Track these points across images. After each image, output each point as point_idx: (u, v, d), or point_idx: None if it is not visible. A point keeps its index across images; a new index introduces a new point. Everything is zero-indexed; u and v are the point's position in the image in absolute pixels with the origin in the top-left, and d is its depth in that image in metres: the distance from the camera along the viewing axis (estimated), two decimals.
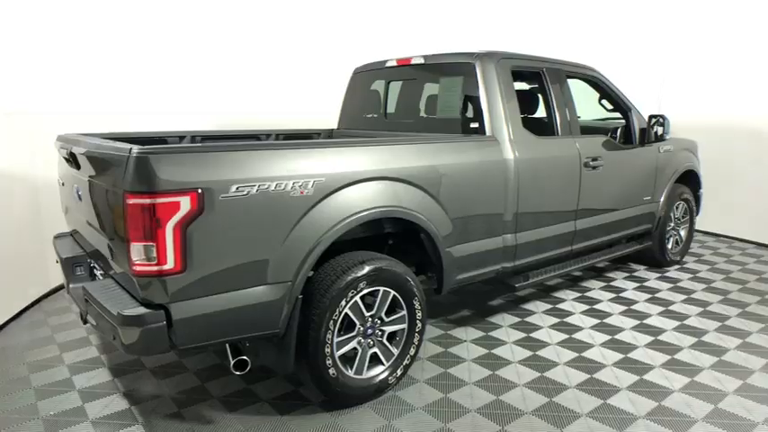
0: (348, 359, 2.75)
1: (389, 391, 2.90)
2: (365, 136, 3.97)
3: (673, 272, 5.01)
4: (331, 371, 2.62)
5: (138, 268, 2.13)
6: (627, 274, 4.91)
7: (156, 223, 2.08)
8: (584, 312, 4.02)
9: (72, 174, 2.86)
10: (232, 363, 2.44)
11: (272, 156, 2.38)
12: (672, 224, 4.98)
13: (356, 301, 2.69)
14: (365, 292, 2.71)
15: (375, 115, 4.25)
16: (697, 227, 6.40)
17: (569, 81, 4.27)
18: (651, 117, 4.32)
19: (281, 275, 2.40)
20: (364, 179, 2.64)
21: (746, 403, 2.81)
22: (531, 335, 3.63)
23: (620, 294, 4.40)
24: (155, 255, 2.10)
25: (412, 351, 2.95)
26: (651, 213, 4.65)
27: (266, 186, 2.31)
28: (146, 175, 2.07)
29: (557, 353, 3.37)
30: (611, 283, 4.67)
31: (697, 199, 5.26)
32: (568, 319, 3.89)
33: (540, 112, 3.96)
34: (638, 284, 4.64)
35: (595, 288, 4.55)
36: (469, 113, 3.48)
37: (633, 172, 4.37)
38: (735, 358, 3.31)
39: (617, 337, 3.61)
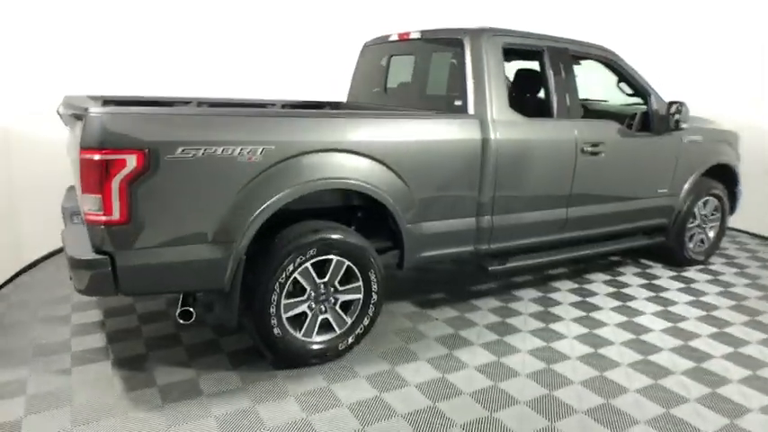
0: (301, 321, 2.89)
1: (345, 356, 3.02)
2: (365, 109, 4.02)
3: (691, 272, 4.70)
4: (276, 330, 2.77)
5: (89, 217, 2.35)
6: (638, 270, 4.67)
7: (104, 177, 2.29)
8: (573, 304, 3.90)
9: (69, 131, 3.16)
10: (178, 311, 2.64)
11: (221, 121, 2.51)
12: (696, 221, 4.65)
13: (306, 267, 2.80)
14: (316, 259, 2.81)
15: (379, 89, 4.28)
16: (744, 227, 5.94)
17: (585, 63, 4.11)
18: (671, 104, 4.03)
19: (225, 236, 2.55)
20: (315, 150, 2.71)
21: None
22: (506, 320, 3.59)
23: (622, 290, 4.21)
24: (102, 206, 2.31)
25: (366, 321, 3.04)
26: (668, 207, 4.38)
27: (213, 150, 2.45)
28: (97, 134, 2.27)
29: (523, 339, 3.33)
30: (617, 278, 4.46)
31: (732, 196, 4.87)
32: (554, 309, 3.80)
33: (541, 93, 3.82)
34: (644, 281, 4.41)
35: (597, 281, 4.38)
36: (455, 91, 3.43)
37: (645, 161, 4.12)
38: (717, 367, 3.11)
39: (595, 331, 3.49)
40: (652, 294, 4.15)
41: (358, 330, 3.03)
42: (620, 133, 3.91)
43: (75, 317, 3.43)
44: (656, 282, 4.42)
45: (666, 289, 4.28)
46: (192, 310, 2.64)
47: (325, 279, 2.88)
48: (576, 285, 4.27)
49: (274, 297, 2.72)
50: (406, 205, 3.04)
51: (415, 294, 3.95)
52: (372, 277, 2.98)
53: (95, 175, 2.28)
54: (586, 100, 4.84)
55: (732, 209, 4.93)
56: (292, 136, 2.66)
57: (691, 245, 4.69)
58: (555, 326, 3.54)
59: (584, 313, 3.75)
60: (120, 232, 2.36)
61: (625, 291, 4.20)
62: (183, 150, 2.39)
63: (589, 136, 3.72)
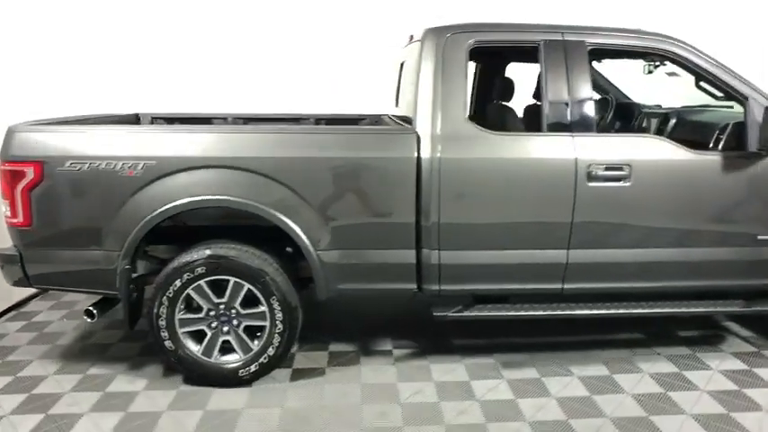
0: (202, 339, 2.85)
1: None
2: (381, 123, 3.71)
3: None
4: (167, 343, 2.78)
5: (6, 219, 2.75)
6: (738, 361, 3.18)
7: (11, 185, 2.65)
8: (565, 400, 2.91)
9: None
10: (84, 309, 2.87)
11: (102, 136, 2.66)
12: None
13: (200, 285, 2.74)
14: (212, 278, 2.73)
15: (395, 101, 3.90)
16: None
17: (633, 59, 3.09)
18: None
19: (111, 245, 2.69)
20: (198, 166, 2.63)
21: None
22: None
23: (668, 392, 2.88)
24: (11, 210, 2.68)
25: (271, 351, 2.82)
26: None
27: (96, 164, 2.61)
28: (7, 147, 2.65)
29: None
30: (683, 371, 3.05)
31: None
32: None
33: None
34: (727, 385, 2.95)
35: (640, 370, 3.11)
36: (411, 100, 2.91)
37: (722, 193, 2.83)
38: None
39: None
40: (723, 412, 2.81)
41: (262, 359, 2.83)
42: (667, 153, 2.78)
43: None
44: (743, 389, 2.95)
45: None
46: (93, 310, 2.84)
47: (224, 300, 2.78)
48: (598, 373, 3.17)
49: (162, 310, 2.74)
50: (312, 229, 2.72)
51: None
52: (275, 305, 2.75)
53: (5, 183, 2.66)
54: (686, 107, 3.59)
55: None
56: (173, 151, 2.64)
57: None
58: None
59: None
60: (25, 233, 2.69)
61: (676, 395, 2.95)
62: (70, 164, 2.60)
63: (603, 156, 2.74)
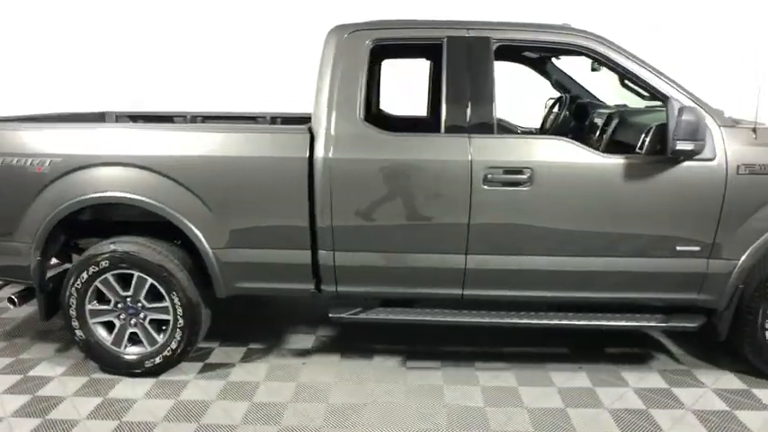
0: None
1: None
2: None
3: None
4: (79, 332, 2.91)
5: None
6: (660, 381, 2.95)
7: None
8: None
9: None
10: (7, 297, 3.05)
11: (12, 134, 2.80)
12: None
13: (107, 278, 2.86)
14: (118, 271, 2.84)
15: None
16: None
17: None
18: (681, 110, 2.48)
19: (24, 236, 2.84)
20: (102, 163, 2.73)
21: None
22: None
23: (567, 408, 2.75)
24: None
25: (174, 345, 2.90)
26: (698, 276, 2.71)
27: (10, 161, 2.77)
28: None
29: None
30: (606, 388, 2.88)
31: None
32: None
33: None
34: (646, 403, 2.75)
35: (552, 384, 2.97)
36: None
37: (636, 201, 2.64)
38: None
39: None
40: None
41: (166, 352, 2.91)
42: (571, 156, 2.63)
43: None
44: (666, 411, 2.74)
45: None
46: (15, 298, 3.00)
47: (130, 293, 2.88)
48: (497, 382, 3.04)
49: (72, 300, 2.87)
50: (208, 228, 2.77)
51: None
52: (176, 300, 2.83)
53: None
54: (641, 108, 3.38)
55: None
56: (77, 149, 2.76)
57: None
58: None
59: None
60: None
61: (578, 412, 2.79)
62: None
63: (502, 158, 2.63)
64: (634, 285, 2.75)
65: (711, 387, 2.84)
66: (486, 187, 2.62)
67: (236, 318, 3.66)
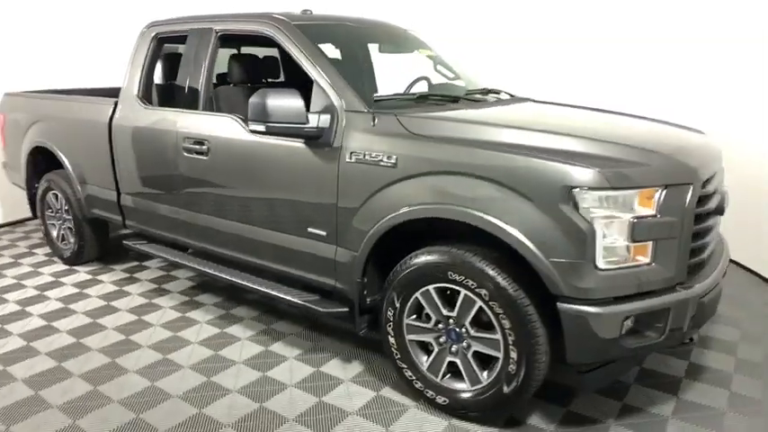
0: None
1: None
2: None
3: None
4: None
5: None
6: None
7: None
8: None
9: None
10: None
11: None
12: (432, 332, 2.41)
13: None
14: None
15: None
16: None
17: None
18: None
19: None
20: None
21: None
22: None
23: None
24: None
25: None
26: (329, 262, 2.66)
27: None
28: None
29: None
30: None
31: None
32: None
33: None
34: None
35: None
36: None
37: (276, 179, 2.77)
38: None
39: None
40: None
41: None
42: (233, 132, 2.92)
43: None
44: None
45: None
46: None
47: None
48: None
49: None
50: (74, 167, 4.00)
51: None
52: None
53: None
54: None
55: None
56: None
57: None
58: None
59: None
60: None
61: None
62: None
63: (192, 131, 3.11)
64: (281, 259, 2.90)
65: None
66: (185, 154, 3.16)
67: None
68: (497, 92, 3.36)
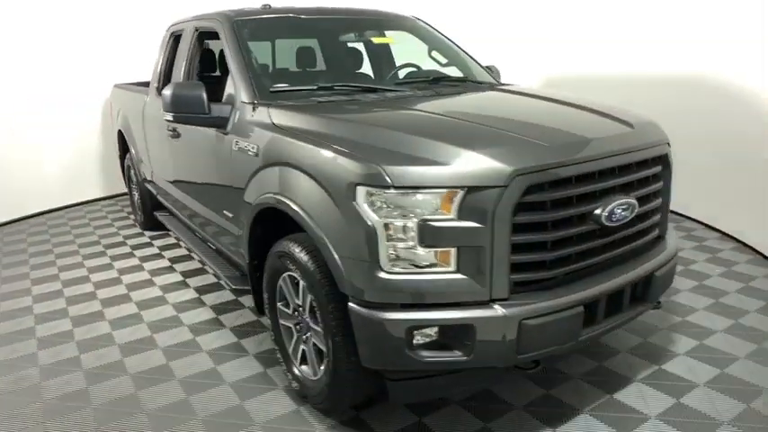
0: None
1: None
2: None
3: None
4: None
5: None
6: None
7: None
8: None
9: None
10: None
11: None
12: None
13: None
14: None
15: None
16: None
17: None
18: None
19: None
20: None
21: None
22: None
23: None
24: None
25: None
26: (234, 238, 2.91)
27: None
28: None
29: None
30: None
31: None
32: None
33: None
34: None
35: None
36: None
37: (204, 162, 3.11)
38: None
39: None
40: None
41: None
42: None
43: None
44: None
45: None
46: None
47: None
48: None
49: None
50: None
51: None
52: None
53: None
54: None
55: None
56: None
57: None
58: None
59: None
60: None
61: None
62: None
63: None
64: (213, 234, 3.30)
65: None
66: (170, 135, 3.61)
67: None
68: (473, 79, 3.29)
